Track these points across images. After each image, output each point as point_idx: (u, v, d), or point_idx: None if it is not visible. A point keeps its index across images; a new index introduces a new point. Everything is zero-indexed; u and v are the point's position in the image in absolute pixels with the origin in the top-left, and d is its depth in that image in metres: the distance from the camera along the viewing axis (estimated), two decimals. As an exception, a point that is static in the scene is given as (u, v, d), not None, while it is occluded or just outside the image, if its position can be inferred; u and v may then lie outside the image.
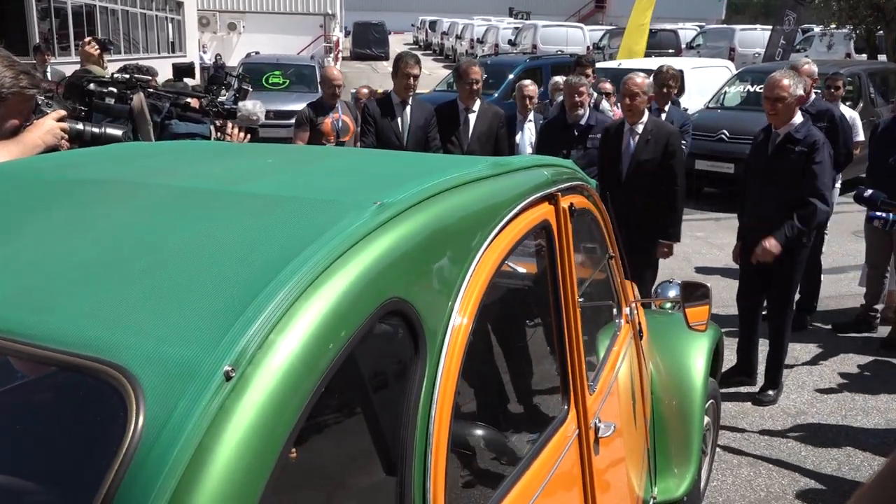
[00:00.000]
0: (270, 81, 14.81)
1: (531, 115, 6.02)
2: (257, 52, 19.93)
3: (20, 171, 1.69)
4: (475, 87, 5.40)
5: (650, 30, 16.36)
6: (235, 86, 3.85)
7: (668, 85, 5.67)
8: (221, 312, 1.03)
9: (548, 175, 1.90)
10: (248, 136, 3.73)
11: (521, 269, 2.09)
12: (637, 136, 4.77)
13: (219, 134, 3.57)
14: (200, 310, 1.05)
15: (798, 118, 4.32)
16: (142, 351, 0.98)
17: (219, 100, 3.68)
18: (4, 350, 1.02)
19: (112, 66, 5.55)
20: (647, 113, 4.84)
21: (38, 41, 13.53)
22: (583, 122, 5.28)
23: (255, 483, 0.94)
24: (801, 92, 4.29)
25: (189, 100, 3.49)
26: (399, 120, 5.27)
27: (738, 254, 4.69)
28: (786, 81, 4.23)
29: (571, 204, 1.96)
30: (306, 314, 1.05)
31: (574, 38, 25.33)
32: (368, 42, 33.38)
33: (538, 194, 1.78)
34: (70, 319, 1.04)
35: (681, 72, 5.95)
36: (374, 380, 1.33)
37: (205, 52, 24.75)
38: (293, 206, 1.34)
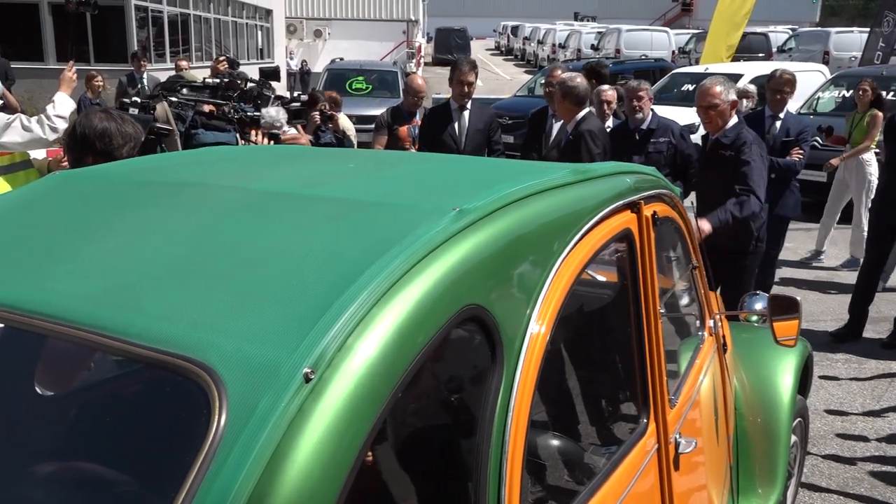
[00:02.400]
0: (354, 87, 15.10)
1: (610, 122, 5.90)
2: (341, 59, 20.35)
3: (110, 173, 1.77)
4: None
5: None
6: (255, 93, 3.90)
7: (783, 91, 5.37)
8: (302, 315, 1.04)
9: (630, 182, 1.86)
10: (271, 142, 3.77)
11: (603, 278, 2.05)
12: None
13: (243, 141, 3.62)
14: (281, 311, 1.07)
15: (731, 122, 4.21)
16: (225, 350, 1.01)
17: (278, 101, 3.74)
18: (95, 345, 1.07)
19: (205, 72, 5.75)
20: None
21: (135, 49, 14.18)
22: (644, 126, 5.17)
23: (332, 484, 0.94)
24: (733, 97, 4.20)
25: (208, 107, 3.55)
26: (456, 124, 5.31)
27: None
28: (717, 88, 4.16)
29: (654, 212, 1.91)
30: (385, 319, 1.05)
31: (659, 42, 24.79)
32: (450, 47, 33.54)
33: (620, 202, 1.74)
34: (156, 318, 1.08)
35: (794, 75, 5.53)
36: (451, 386, 1.33)
37: (291, 59, 25.42)
38: (372, 211, 1.35)
